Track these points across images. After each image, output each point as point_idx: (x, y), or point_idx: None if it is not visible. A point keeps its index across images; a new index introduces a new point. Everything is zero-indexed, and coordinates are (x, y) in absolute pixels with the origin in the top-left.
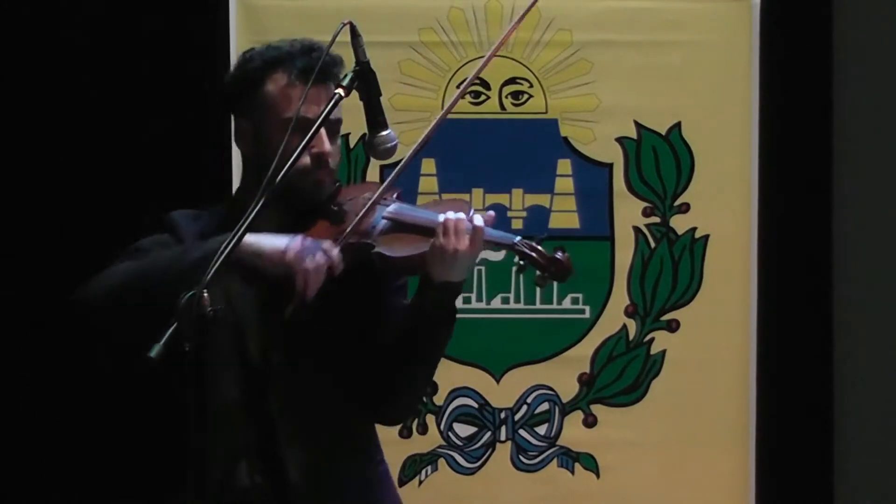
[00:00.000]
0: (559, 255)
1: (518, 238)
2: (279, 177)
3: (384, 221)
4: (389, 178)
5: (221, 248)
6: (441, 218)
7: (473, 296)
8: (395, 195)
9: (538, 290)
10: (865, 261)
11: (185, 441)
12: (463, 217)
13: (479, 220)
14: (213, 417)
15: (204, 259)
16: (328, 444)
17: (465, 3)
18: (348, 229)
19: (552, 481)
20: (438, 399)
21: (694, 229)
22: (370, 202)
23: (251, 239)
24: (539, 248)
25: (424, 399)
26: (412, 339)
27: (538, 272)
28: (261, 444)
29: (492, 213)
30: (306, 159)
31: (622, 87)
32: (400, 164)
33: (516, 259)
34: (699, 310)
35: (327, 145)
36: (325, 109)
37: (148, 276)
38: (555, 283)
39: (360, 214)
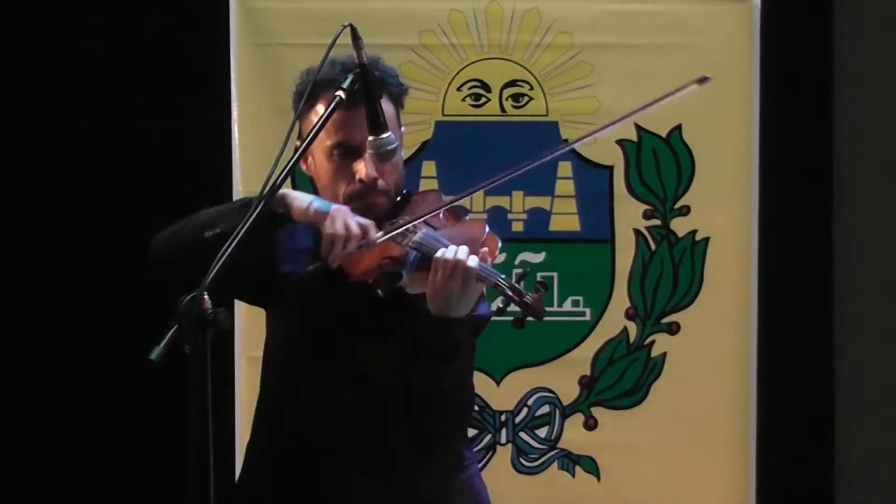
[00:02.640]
0: (529, 298)
1: (503, 276)
2: (280, 179)
3: (414, 252)
4: (423, 216)
5: (222, 252)
6: (439, 253)
7: None
8: (440, 215)
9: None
10: (866, 263)
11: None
12: (460, 258)
13: (473, 261)
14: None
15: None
16: (389, 456)
17: (465, 6)
18: (378, 235)
19: (553, 484)
20: None
21: (694, 232)
22: (383, 236)
23: (288, 192)
24: (518, 287)
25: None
26: (413, 372)
27: (516, 314)
28: (323, 444)
29: (487, 250)
30: (357, 184)
31: (622, 89)
32: (451, 201)
33: (500, 299)
34: (700, 312)
35: (364, 171)
36: (324, 114)
37: (196, 219)
38: (555, 285)
39: (378, 238)
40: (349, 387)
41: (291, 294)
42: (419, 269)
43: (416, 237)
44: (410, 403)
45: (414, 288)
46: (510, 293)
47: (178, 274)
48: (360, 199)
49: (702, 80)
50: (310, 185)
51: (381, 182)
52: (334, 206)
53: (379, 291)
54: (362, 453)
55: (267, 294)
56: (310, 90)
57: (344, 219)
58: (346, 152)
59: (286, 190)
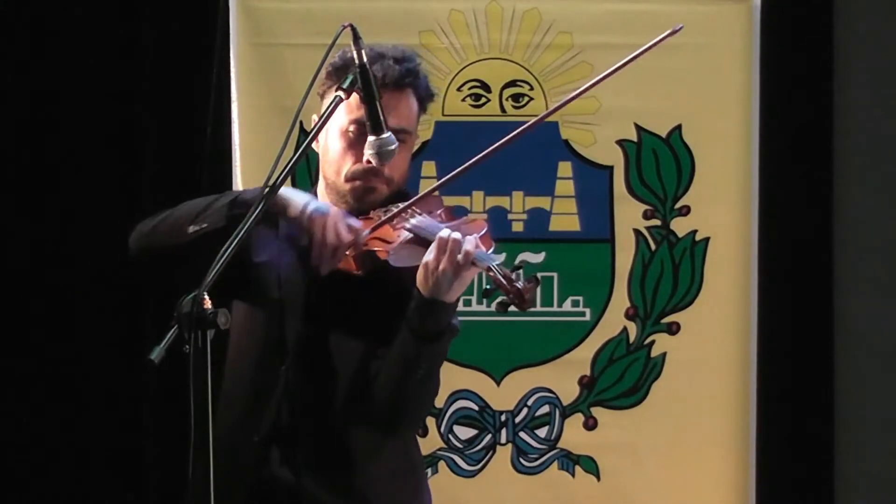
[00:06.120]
0: (520, 284)
1: (497, 262)
2: (280, 178)
3: (406, 233)
4: (416, 197)
5: (222, 251)
6: (441, 233)
7: (474, 298)
8: (439, 211)
9: (538, 292)
10: (866, 262)
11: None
12: (457, 237)
13: (469, 243)
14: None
15: (232, 204)
16: (342, 450)
17: (465, 6)
18: (365, 232)
19: (552, 484)
20: (439, 402)
21: (694, 232)
22: (388, 216)
23: (285, 192)
24: (510, 275)
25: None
26: (396, 354)
27: (502, 297)
28: (275, 419)
29: (481, 235)
30: (364, 164)
31: (623, 89)
32: (435, 184)
33: (486, 283)
34: (700, 312)
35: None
36: (325, 111)
37: (179, 213)
38: (555, 285)
39: (378, 224)
40: (316, 379)
41: (263, 284)
42: (409, 243)
43: (413, 221)
44: (374, 395)
45: (399, 260)
46: (501, 278)
47: (158, 270)
48: (362, 180)
49: (674, 32)
50: (309, 183)
51: (386, 169)
52: (330, 212)
53: (358, 271)
54: (317, 446)
55: (237, 284)
56: (329, 72)
57: (335, 226)
58: (362, 131)
59: (282, 189)
